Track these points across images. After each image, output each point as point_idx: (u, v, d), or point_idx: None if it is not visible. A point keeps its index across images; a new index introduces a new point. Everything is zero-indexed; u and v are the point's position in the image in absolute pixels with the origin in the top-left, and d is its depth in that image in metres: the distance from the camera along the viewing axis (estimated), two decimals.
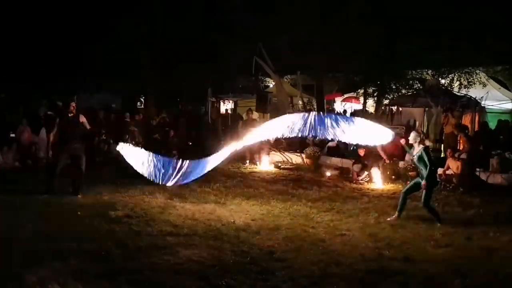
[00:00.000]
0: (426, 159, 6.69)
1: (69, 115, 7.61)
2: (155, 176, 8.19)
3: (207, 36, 15.82)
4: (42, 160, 11.10)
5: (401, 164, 11.81)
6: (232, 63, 16.78)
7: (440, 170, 10.47)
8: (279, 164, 12.54)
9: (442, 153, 12.26)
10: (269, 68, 16.05)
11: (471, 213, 7.62)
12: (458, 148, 12.48)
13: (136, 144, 12.74)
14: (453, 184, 9.71)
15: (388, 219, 6.92)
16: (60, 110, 7.86)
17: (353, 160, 11.03)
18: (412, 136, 6.97)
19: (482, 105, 13.78)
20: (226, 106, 22.90)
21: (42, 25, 14.28)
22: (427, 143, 6.91)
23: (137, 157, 8.39)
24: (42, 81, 15.20)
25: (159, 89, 17.01)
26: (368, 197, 8.62)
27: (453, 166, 10.03)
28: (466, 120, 13.49)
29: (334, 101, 22.46)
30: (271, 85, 19.54)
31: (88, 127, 7.88)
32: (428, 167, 6.66)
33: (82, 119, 7.73)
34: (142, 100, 20.36)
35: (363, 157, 10.73)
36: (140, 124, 13.58)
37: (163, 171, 8.12)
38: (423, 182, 6.71)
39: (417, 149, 6.85)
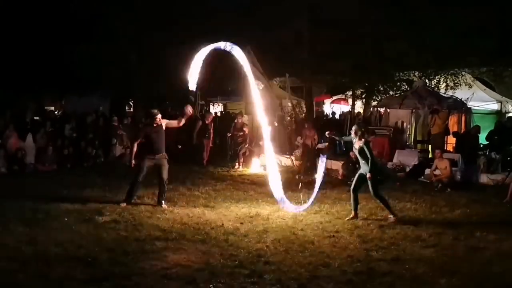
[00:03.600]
0: (367, 152, 6.91)
1: (154, 125, 7.53)
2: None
3: (195, 38, 15.78)
4: (29, 166, 11.01)
5: (389, 165, 11.93)
6: (221, 66, 16.75)
7: (428, 171, 10.64)
8: None
9: (430, 154, 12.38)
10: (258, 71, 16.05)
11: (458, 213, 7.70)
12: (445, 148, 12.63)
13: (124, 148, 12.75)
14: (441, 184, 9.81)
15: (347, 218, 7.03)
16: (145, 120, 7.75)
17: (342, 162, 11.09)
18: (353, 129, 7.15)
19: (468, 106, 13.93)
20: (215, 109, 22.92)
21: (28, 29, 14.14)
22: (367, 136, 7.11)
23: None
24: (29, 85, 15.04)
25: (148, 92, 16.94)
26: None
27: (441, 166, 10.13)
28: (452, 121, 13.64)
29: (323, 103, 22.55)
30: (260, 88, 19.54)
31: (176, 124, 7.75)
32: (369, 159, 6.88)
33: (168, 124, 7.69)
34: (131, 103, 20.25)
35: (355, 159, 10.80)
36: (128, 128, 13.49)
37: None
38: (368, 175, 6.88)
39: (359, 143, 7.00)
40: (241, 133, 12.57)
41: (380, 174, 7.26)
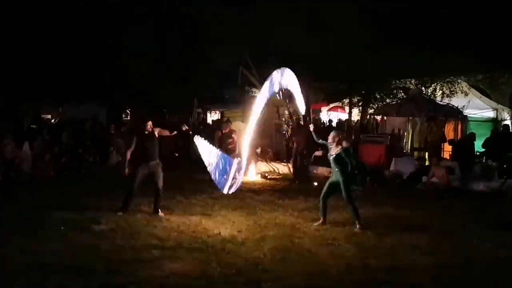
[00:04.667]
0: (346, 159, 6.84)
1: (146, 132, 7.52)
2: (216, 179, 7.76)
3: (193, 47, 15.84)
4: (25, 174, 10.98)
5: (386, 172, 11.95)
6: (218, 74, 16.80)
7: (425, 178, 10.66)
8: (266, 174, 12.56)
9: (427, 161, 12.42)
10: (255, 79, 16.11)
11: (455, 221, 7.70)
12: (442, 156, 12.67)
13: (121, 156, 12.71)
14: (438, 191, 9.83)
15: (315, 224, 7.06)
16: (138, 127, 7.82)
17: None
18: (331, 135, 7.05)
19: (464, 114, 13.99)
20: (213, 117, 22.95)
21: (25, 36, 14.15)
22: (345, 144, 7.17)
23: (207, 154, 8.02)
24: (27, 93, 15.04)
25: (145, 100, 16.96)
26: None
27: (438, 174, 10.16)
28: (449, 128, 13.70)
29: (320, 111, 22.60)
30: (257, 96, 19.60)
31: (167, 133, 7.86)
32: (349, 165, 6.82)
33: (160, 132, 7.70)
34: (128, 111, 20.27)
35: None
36: (125, 136, 13.48)
37: (223, 175, 7.62)
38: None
39: (336, 149, 6.94)
40: (230, 140, 12.53)
41: (352, 182, 7.20)
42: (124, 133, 13.82)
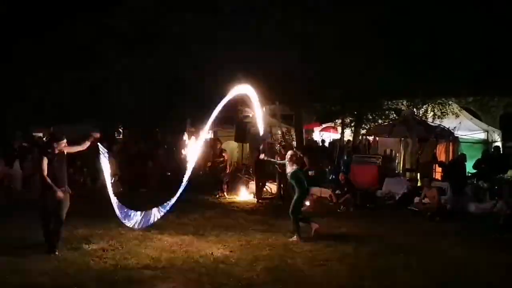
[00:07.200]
0: (302, 176, 7.52)
1: (56, 152, 6.29)
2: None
3: (185, 67, 15.96)
4: (15, 194, 10.87)
5: (378, 193, 11.99)
6: (211, 93, 16.90)
7: (417, 199, 10.69)
8: None
9: (419, 182, 12.47)
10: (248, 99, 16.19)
11: (447, 242, 7.72)
12: (433, 177, 12.74)
13: (113, 176, 12.63)
14: (430, 213, 9.86)
15: (291, 239, 7.33)
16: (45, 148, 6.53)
17: (333, 187, 11.23)
18: (288, 154, 7.65)
19: (456, 135, 14.13)
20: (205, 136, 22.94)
21: (19, 54, 14.19)
22: (296, 165, 7.72)
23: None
24: (17, 112, 15.01)
25: (137, 119, 16.99)
26: (346, 227, 8.64)
27: (429, 195, 10.20)
28: (440, 149, 13.81)
29: (313, 131, 22.70)
30: (250, 115, 19.68)
31: (79, 148, 6.70)
32: (305, 182, 7.53)
33: (68, 150, 6.52)
34: (121, 130, 20.24)
35: (344, 183, 10.95)
36: (117, 155, 13.42)
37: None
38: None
39: (291, 168, 7.53)
40: (221, 159, 12.61)
41: (304, 197, 7.90)
42: (116, 152, 13.77)
